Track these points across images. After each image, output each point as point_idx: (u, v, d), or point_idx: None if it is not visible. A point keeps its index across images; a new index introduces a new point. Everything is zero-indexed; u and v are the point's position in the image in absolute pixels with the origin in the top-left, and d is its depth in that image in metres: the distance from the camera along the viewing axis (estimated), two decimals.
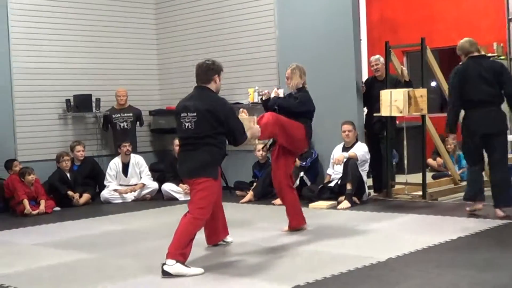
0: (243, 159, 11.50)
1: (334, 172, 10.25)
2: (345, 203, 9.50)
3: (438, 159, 12.19)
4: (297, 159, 9.47)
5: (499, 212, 8.04)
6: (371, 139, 10.62)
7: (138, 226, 9.00)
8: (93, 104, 12.27)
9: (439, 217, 8.40)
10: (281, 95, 8.21)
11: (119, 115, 12.36)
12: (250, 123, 6.93)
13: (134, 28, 13.20)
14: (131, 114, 12.44)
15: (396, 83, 10.07)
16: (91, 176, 11.76)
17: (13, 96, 11.55)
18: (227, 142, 6.54)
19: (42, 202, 10.45)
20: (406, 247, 6.65)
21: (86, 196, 11.23)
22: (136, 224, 9.14)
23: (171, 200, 11.18)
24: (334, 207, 9.58)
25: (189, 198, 6.63)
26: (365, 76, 12.02)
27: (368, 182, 10.26)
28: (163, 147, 13.29)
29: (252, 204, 10.43)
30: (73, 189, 11.11)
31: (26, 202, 10.24)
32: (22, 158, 11.35)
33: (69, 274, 6.33)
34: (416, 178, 10.09)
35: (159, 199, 11.41)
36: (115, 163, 11.67)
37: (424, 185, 9.81)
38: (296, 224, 7.90)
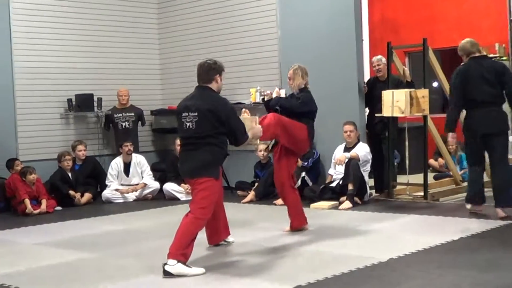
0: (245, 159, 11.49)
1: (336, 173, 10.25)
2: (347, 204, 9.50)
3: (440, 159, 12.18)
4: (298, 160, 9.47)
5: (500, 212, 8.04)
6: (373, 139, 10.61)
7: (140, 226, 9.00)
8: (95, 104, 12.28)
9: (441, 218, 8.40)
10: (283, 95, 8.20)
11: (121, 114, 12.37)
12: (252, 123, 6.92)
13: (136, 28, 13.21)
14: (132, 114, 12.45)
15: (398, 84, 10.07)
16: (92, 175, 11.77)
17: (15, 95, 11.56)
18: (228, 142, 6.54)
19: (44, 202, 10.44)
20: (408, 247, 6.65)
21: (87, 196, 11.22)
22: (137, 224, 9.14)
23: (173, 200, 11.18)
24: (335, 208, 9.58)
25: (190, 198, 6.63)
26: (367, 77, 12.01)
27: (370, 182, 10.25)
28: (165, 147, 13.30)
29: (254, 204, 10.42)
30: (74, 189, 11.11)
31: (27, 201, 10.24)
32: (24, 157, 11.35)
33: (70, 274, 6.33)
34: (418, 178, 10.08)
35: (160, 199, 11.41)
36: (117, 163, 11.67)
37: (425, 186, 9.81)
38: (298, 224, 7.89)
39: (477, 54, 8.24)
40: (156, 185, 11.70)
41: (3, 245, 7.96)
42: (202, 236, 6.70)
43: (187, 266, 6.02)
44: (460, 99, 8.16)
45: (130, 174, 11.64)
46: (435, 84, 12.83)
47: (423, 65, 10.08)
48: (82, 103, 12.16)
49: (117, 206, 10.98)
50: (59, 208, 10.74)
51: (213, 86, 6.55)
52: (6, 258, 7.17)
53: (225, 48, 12.23)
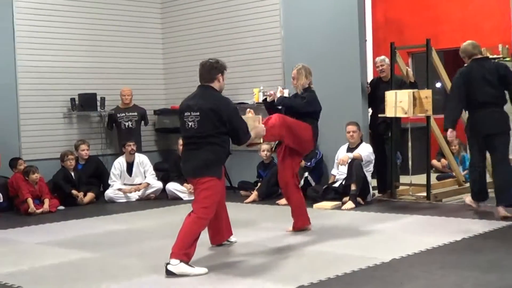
0: (248, 159, 11.49)
1: (339, 173, 10.25)
2: (350, 204, 9.50)
3: (443, 160, 12.18)
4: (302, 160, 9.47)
5: (502, 211, 8.08)
6: (376, 140, 10.60)
7: (142, 225, 9.01)
8: (98, 103, 12.28)
9: (443, 218, 8.40)
10: (286, 95, 8.19)
11: (124, 114, 12.37)
12: (255, 122, 6.90)
13: (139, 27, 13.21)
14: (136, 114, 12.45)
15: (401, 84, 10.07)
16: (95, 175, 11.77)
17: (18, 94, 11.56)
18: (230, 141, 6.54)
19: (46, 201, 10.45)
20: (410, 248, 6.65)
21: (90, 195, 11.23)
22: (140, 224, 9.14)
23: (176, 199, 11.19)
24: (338, 208, 9.58)
25: (193, 198, 6.63)
26: (370, 77, 12.00)
27: (373, 182, 10.25)
28: (168, 147, 13.31)
29: (257, 204, 10.42)
30: (77, 188, 11.12)
31: (30, 201, 10.25)
32: (27, 156, 11.36)
33: (73, 273, 6.33)
34: (421, 179, 10.07)
35: (163, 198, 11.42)
36: (120, 162, 11.67)
37: (428, 186, 9.81)
38: (301, 225, 7.89)
39: (479, 56, 8.31)
40: (159, 184, 11.70)
41: (6, 244, 7.97)
42: (204, 236, 6.70)
43: (190, 266, 6.02)
44: (462, 99, 8.19)
45: (133, 173, 11.65)
46: (438, 85, 12.81)
47: (426, 65, 10.07)
48: (85, 103, 12.17)
49: (119, 205, 10.99)
50: (61, 207, 10.75)
51: (215, 85, 6.55)
52: (9, 257, 7.18)
53: (229, 48, 12.22)
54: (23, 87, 11.62)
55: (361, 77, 10.66)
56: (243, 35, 12.16)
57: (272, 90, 8.21)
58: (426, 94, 9.51)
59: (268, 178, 10.74)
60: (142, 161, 11.74)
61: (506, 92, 8.24)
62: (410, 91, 9.44)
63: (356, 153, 9.83)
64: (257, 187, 10.90)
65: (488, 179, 8.61)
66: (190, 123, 6.38)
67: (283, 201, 9.28)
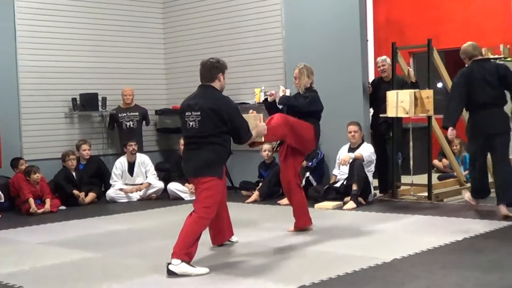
0: (249, 159, 11.49)
1: (340, 173, 10.25)
2: (351, 204, 9.50)
3: (444, 160, 12.18)
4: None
5: (503, 209, 8.11)
6: (377, 140, 10.61)
7: (144, 225, 9.00)
8: (99, 103, 12.28)
9: (445, 218, 8.40)
10: (287, 94, 8.19)
11: (125, 114, 12.37)
12: (256, 122, 6.88)
13: (141, 27, 13.21)
14: (137, 113, 12.45)
15: (403, 84, 10.07)
16: (96, 175, 11.77)
17: (19, 94, 11.56)
18: (232, 141, 6.53)
19: (48, 201, 10.45)
20: (411, 248, 6.65)
21: (91, 195, 11.23)
22: (141, 224, 9.14)
23: (177, 199, 11.19)
24: (339, 208, 9.58)
25: (194, 198, 6.62)
26: (371, 77, 12.01)
27: (374, 182, 10.25)
28: (169, 147, 13.31)
29: (258, 204, 10.42)
30: (78, 188, 11.12)
31: (31, 200, 10.25)
32: (28, 156, 11.37)
33: (75, 273, 6.33)
34: (422, 179, 10.08)
35: (164, 198, 11.42)
36: (121, 162, 11.68)
37: (429, 186, 9.81)
38: (302, 225, 7.89)
39: (479, 57, 8.34)
40: (160, 184, 11.70)
41: (7, 244, 7.97)
42: (206, 236, 6.70)
43: (191, 265, 6.02)
44: (463, 99, 8.20)
45: (134, 173, 11.65)
46: (439, 85, 12.81)
47: (427, 65, 10.07)
48: (87, 103, 12.17)
49: (121, 205, 10.99)
50: (63, 207, 10.75)
51: (216, 85, 6.54)
52: (10, 257, 7.17)
53: (230, 48, 12.22)
54: (25, 87, 11.62)
55: (362, 77, 10.66)
56: (244, 35, 12.15)
57: (273, 90, 8.20)
58: (427, 94, 9.51)
59: (269, 178, 10.74)
60: (144, 161, 11.74)
61: (507, 92, 8.27)
62: (412, 91, 9.44)
63: (357, 153, 9.83)
64: (259, 187, 10.90)
65: (489, 178, 8.64)
66: (191, 123, 6.38)
67: (284, 201, 9.27)
